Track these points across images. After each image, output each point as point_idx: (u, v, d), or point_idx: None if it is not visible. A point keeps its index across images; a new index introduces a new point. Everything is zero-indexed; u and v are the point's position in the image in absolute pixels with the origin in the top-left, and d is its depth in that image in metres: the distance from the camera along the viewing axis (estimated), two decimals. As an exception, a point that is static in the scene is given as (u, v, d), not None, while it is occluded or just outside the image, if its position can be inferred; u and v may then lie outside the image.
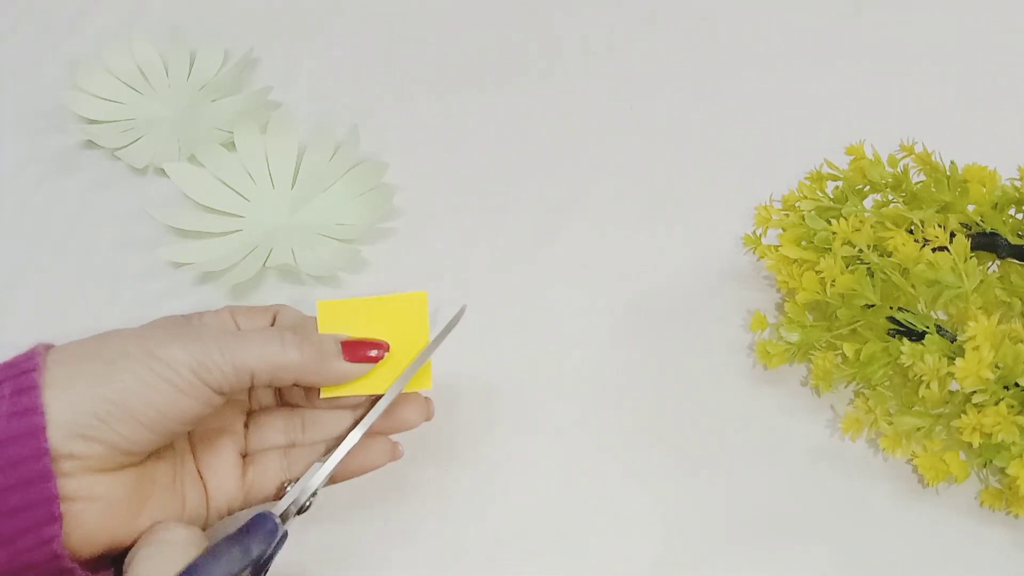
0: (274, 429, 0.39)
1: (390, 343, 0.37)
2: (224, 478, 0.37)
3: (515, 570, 0.42)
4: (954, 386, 0.40)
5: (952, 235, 0.42)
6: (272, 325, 0.38)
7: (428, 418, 0.40)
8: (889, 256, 0.43)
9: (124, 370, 0.31)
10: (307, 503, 0.36)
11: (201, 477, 0.36)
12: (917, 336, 0.42)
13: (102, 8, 0.66)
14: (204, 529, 0.36)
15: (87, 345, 0.32)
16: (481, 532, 0.43)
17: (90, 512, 0.30)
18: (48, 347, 0.33)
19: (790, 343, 0.45)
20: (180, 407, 0.32)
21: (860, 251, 0.43)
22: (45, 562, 0.29)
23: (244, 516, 0.36)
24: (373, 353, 0.36)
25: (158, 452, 0.34)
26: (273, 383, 0.35)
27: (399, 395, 0.38)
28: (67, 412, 0.30)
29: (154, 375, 0.31)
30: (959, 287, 0.41)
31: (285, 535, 0.35)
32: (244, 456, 0.38)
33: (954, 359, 0.38)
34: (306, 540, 0.42)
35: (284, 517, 0.35)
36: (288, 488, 0.36)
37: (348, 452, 0.37)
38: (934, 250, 0.42)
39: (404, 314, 0.38)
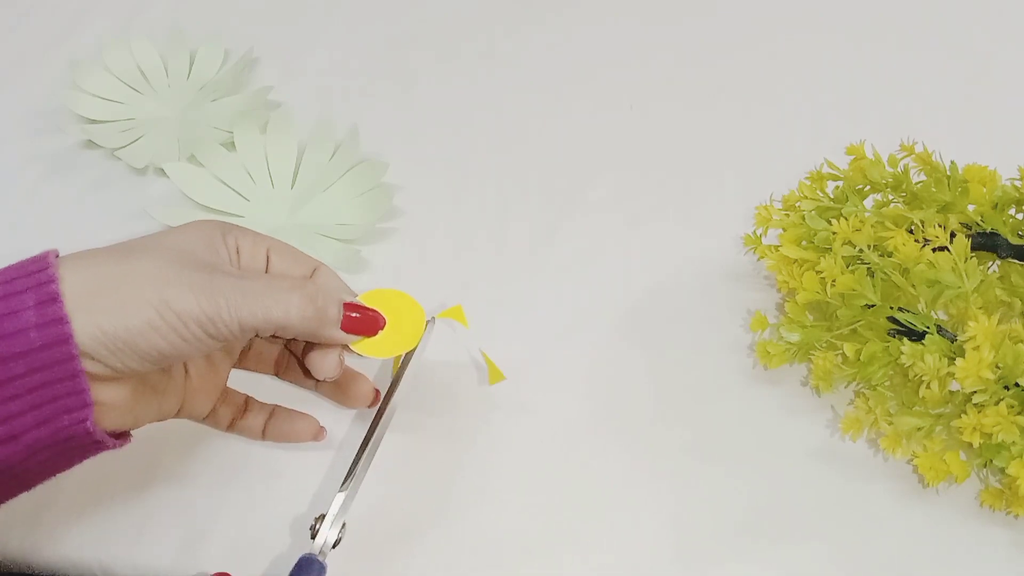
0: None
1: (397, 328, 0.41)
2: (205, 398, 0.41)
3: (514, 568, 0.42)
4: (954, 386, 0.40)
5: (952, 235, 0.42)
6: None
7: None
8: (889, 256, 0.43)
9: (136, 315, 0.33)
10: (339, 537, 0.39)
11: (185, 386, 0.40)
12: (917, 336, 0.42)
13: (102, 8, 0.66)
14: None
15: (104, 269, 0.34)
16: (481, 531, 0.43)
17: (96, 410, 0.34)
18: (56, 254, 0.35)
19: (790, 343, 0.45)
20: (181, 351, 0.35)
21: (860, 251, 0.43)
22: (81, 435, 0.34)
23: (288, 559, 0.40)
24: (366, 325, 0.40)
25: None
26: (275, 336, 0.38)
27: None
28: (80, 335, 0.33)
29: (164, 324, 0.34)
30: (959, 287, 0.41)
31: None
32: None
33: (954, 359, 0.38)
34: (304, 542, 0.42)
35: (322, 554, 0.38)
36: (319, 527, 0.39)
37: (281, 419, 0.44)
38: (934, 250, 0.42)
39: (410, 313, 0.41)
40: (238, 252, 0.38)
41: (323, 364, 0.40)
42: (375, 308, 0.40)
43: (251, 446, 0.45)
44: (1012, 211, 0.45)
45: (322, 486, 0.44)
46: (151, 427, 0.46)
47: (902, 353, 0.40)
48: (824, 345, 0.45)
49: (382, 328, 0.40)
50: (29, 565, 0.42)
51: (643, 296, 0.51)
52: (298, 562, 0.38)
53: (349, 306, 0.39)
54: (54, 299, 0.32)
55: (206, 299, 0.34)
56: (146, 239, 0.37)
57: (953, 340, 0.40)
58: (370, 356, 0.40)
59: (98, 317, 0.33)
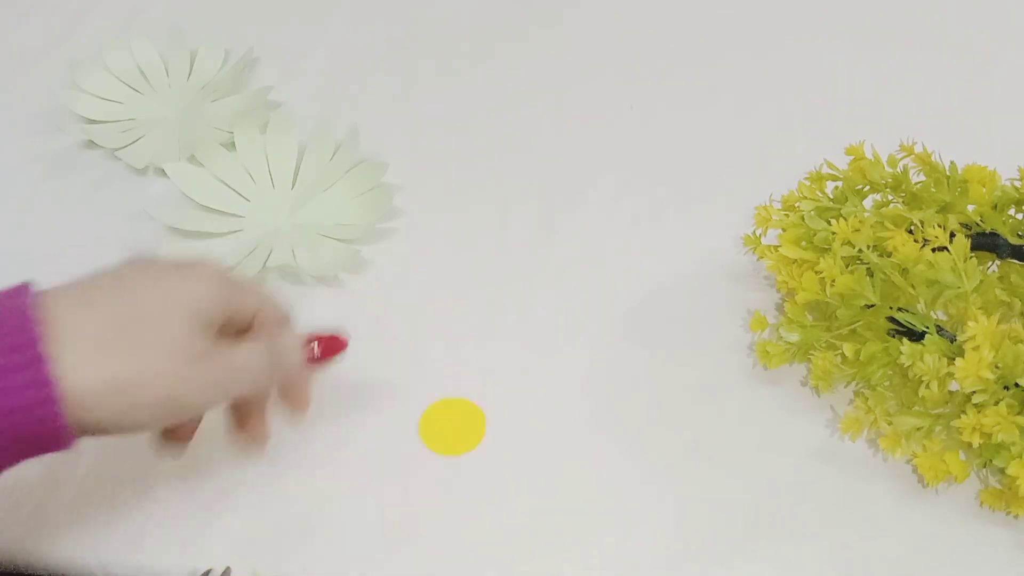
0: None
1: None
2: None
3: (514, 568, 0.42)
4: (954, 386, 0.40)
5: (952, 235, 0.42)
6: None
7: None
8: (889, 256, 0.43)
9: (144, 414, 0.34)
10: None
11: None
12: (917, 336, 0.42)
13: (102, 8, 0.66)
14: None
15: (113, 374, 0.33)
16: (482, 531, 0.43)
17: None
18: (35, 299, 0.33)
19: (790, 343, 0.45)
20: (175, 419, 0.37)
21: (860, 251, 0.43)
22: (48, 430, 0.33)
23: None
24: (332, 349, 0.41)
25: None
26: None
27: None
28: (84, 435, 0.33)
29: (168, 416, 0.36)
30: (959, 287, 0.41)
31: None
32: None
33: (954, 359, 0.38)
34: (305, 541, 0.42)
35: None
36: None
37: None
38: (934, 250, 0.42)
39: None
40: (231, 318, 0.38)
41: (299, 402, 0.41)
42: (333, 341, 0.41)
43: (251, 446, 0.45)
44: (1012, 211, 0.45)
45: (324, 485, 0.44)
46: (151, 427, 0.46)
47: (901, 353, 0.40)
48: (823, 345, 0.45)
49: (345, 348, 0.41)
50: (29, 565, 0.42)
51: (643, 296, 0.51)
52: None
53: (312, 339, 0.40)
54: (41, 360, 0.32)
55: (209, 392, 0.36)
56: (158, 308, 0.35)
57: (953, 340, 0.40)
58: (443, 455, 0.45)
59: (105, 420, 0.33)
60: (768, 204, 0.48)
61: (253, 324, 0.39)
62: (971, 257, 0.42)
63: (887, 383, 0.44)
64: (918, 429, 0.42)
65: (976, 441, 0.39)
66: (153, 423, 0.36)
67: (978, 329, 0.38)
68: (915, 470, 0.43)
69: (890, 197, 0.47)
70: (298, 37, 0.64)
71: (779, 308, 0.50)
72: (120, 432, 0.34)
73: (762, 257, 0.47)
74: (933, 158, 0.46)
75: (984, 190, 0.44)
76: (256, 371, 0.38)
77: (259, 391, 0.39)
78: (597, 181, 0.56)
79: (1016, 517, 0.42)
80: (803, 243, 0.46)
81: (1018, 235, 0.44)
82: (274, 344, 0.39)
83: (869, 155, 0.47)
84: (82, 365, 0.32)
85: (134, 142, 0.57)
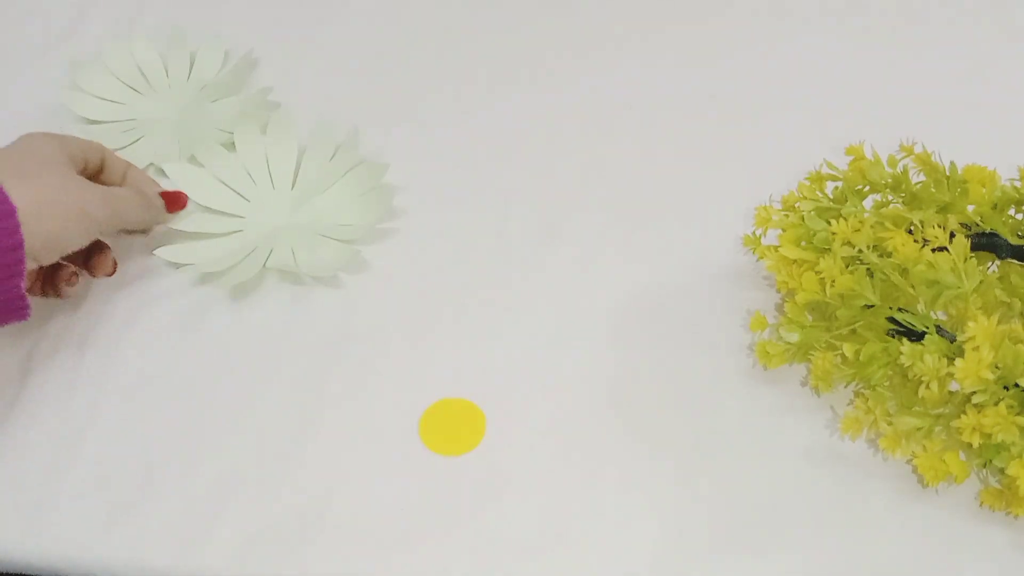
0: None
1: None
2: None
3: (513, 568, 0.42)
4: (954, 386, 0.40)
5: (952, 235, 0.42)
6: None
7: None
8: (889, 256, 0.43)
9: (69, 221, 0.44)
10: None
11: None
12: (917, 336, 0.42)
13: (102, 8, 0.66)
14: None
15: (40, 193, 0.43)
16: (481, 531, 0.43)
17: None
18: None
19: (790, 343, 0.45)
20: (79, 246, 0.45)
21: (860, 251, 0.43)
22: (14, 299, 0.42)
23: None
24: (178, 201, 0.53)
25: None
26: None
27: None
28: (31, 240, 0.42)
29: (81, 228, 0.44)
30: (959, 287, 0.41)
31: None
32: None
33: (954, 359, 0.38)
34: (305, 541, 0.42)
35: None
36: None
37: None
38: (934, 250, 0.42)
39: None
40: (85, 162, 0.48)
41: (107, 263, 0.49)
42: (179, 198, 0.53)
43: (253, 446, 0.45)
44: (1012, 211, 0.45)
45: (324, 485, 0.44)
46: (152, 426, 0.46)
47: (901, 353, 0.40)
48: (823, 345, 0.45)
49: (185, 203, 0.53)
50: (29, 565, 0.42)
51: (643, 296, 0.51)
52: None
53: (163, 194, 0.52)
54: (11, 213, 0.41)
55: (108, 207, 0.46)
56: (29, 155, 0.45)
57: (952, 340, 0.40)
58: (443, 455, 0.45)
59: (43, 235, 0.42)
60: (768, 204, 0.48)
61: (103, 171, 0.50)
62: (971, 257, 0.42)
63: (887, 383, 0.44)
64: (918, 429, 0.42)
65: (976, 441, 0.39)
66: (77, 238, 0.44)
67: (978, 329, 0.38)
68: (915, 470, 0.43)
69: (890, 197, 0.47)
70: (298, 37, 0.64)
71: (779, 308, 0.50)
72: (57, 249, 0.43)
73: (762, 257, 0.47)
74: (933, 158, 0.46)
75: (984, 190, 0.44)
76: (137, 205, 0.49)
77: (139, 224, 0.49)
78: (597, 181, 0.56)
79: (1016, 517, 0.42)
80: (803, 243, 0.46)
81: (1018, 235, 0.44)
82: (142, 189, 0.50)
83: (869, 155, 0.47)
84: (15, 189, 0.41)
85: (134, 142, 0.57)
